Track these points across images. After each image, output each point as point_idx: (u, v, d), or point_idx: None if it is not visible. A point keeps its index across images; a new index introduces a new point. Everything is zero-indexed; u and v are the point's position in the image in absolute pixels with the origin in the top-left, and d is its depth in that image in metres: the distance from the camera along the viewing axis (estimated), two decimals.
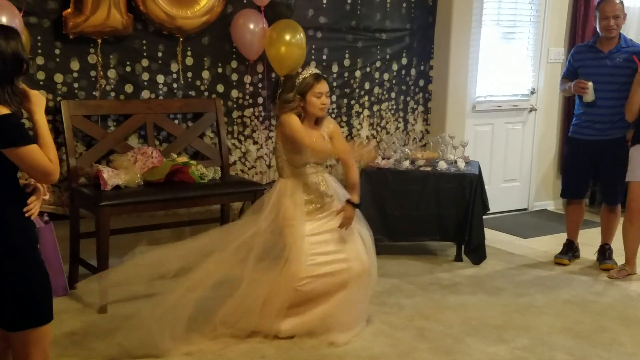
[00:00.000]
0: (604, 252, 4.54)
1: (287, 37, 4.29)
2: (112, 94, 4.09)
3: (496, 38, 5.68)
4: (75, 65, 3.94)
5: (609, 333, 3.47)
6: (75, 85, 3.96)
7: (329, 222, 3.40)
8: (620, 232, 4.40)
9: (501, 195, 5.79)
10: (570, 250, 4.66)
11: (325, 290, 3.30)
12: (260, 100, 4.59)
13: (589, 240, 4.76)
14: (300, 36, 4.36)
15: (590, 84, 4.31)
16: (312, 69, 3.46)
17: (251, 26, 4.28)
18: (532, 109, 5.92)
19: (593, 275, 4.37)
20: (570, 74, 4.54)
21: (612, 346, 3.32)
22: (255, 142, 4.63)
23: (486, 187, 4.72)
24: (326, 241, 3.35)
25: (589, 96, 4.33)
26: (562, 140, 5.95)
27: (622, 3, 4.34)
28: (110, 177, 3.67)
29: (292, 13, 4.46)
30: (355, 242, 3.40)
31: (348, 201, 3.38)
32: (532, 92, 5.90)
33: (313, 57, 4.73)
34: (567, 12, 5.86)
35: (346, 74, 4.95)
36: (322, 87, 3.35)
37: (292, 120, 3.32)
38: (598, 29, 4.40)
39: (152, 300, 3.18)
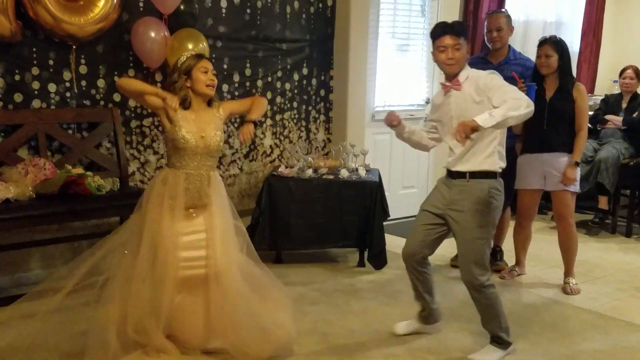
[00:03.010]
0: (495, 254, 4.76)
1: (190, 46, 4.24)
2: (0, 103, 3.89)
3: (392, 50, 5.87)
4: None
5: None
6: None
7: (200, 221, 3.21)
8: (511, 234, 4.65)
9: (400, 202, 5.97)
10: None
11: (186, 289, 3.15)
12: None
13: None
14: (204, 45, 4.33)
15: None
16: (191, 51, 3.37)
17: (152, 34, 4.20)
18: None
19: None
20: None
21: None
22: (155, 152, 4.54)
23: (386, 194, 4.84)
24: (191, 241, 3.16)
25: None
26: None
27: (507, 17, 4.55)
28: None
29: (196, 22, 4.43)
30: (222, 243, 3.19)
31: (247, 121, 3.28)
32: (427, 102, 6.12)
33: (213, 66, 4.69)
34: None
35: (248, 84, 4.95)
36: (207, 63, 3.25)
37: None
38: (486, 41, 4.65)
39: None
